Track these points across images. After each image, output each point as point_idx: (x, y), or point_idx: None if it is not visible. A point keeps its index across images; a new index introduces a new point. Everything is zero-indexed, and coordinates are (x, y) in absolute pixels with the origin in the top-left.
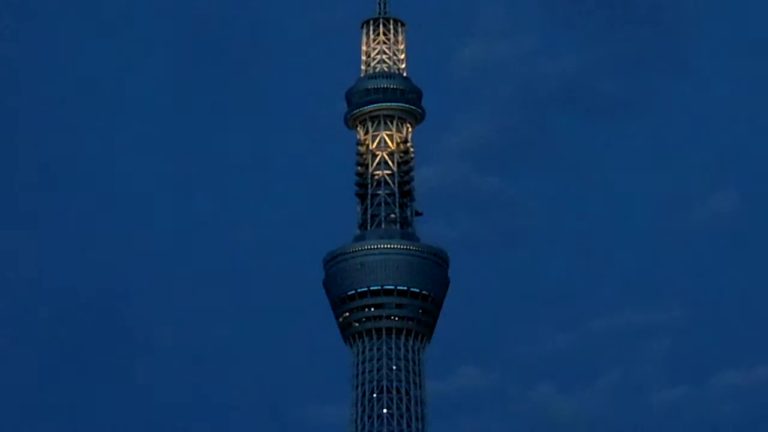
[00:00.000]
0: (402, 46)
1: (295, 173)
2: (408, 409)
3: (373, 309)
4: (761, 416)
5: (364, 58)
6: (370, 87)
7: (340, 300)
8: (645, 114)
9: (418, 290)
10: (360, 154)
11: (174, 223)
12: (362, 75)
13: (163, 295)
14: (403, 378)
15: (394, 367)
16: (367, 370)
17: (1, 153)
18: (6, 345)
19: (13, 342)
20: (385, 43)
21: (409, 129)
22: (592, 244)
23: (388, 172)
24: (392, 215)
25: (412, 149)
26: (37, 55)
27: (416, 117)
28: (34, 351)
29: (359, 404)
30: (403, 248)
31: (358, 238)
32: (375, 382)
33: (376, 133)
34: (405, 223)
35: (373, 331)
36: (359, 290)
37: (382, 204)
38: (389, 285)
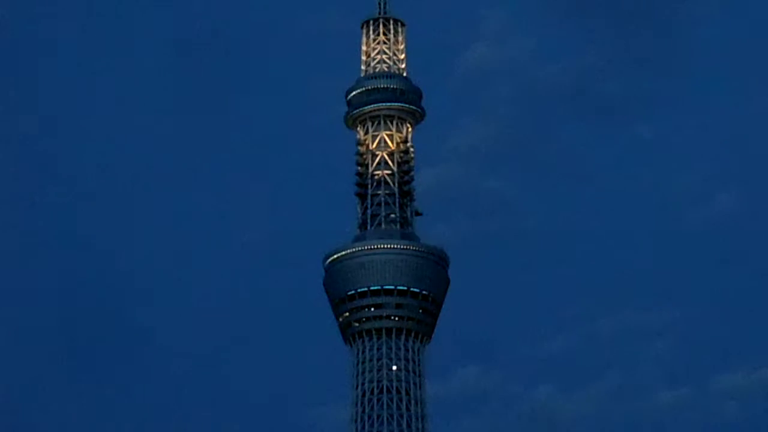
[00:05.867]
0: (402, 46)
1: (295, 173)
2: (408, 409)
3: (373, 309)
4: (762, 418)
5: (364, 58)
6: (370, 87)
7: (340, 300)
8: (645, 116)
9: (418, 290)
10: (360, 154)
11: (174, 223)
12: (362, 75)
13: (163, 295)
14: (403, 378)
15: (394, 367)
16: (367, 370)
17: (2, 151)
18: (6, 345)
19: (12, 342)
20: (385, 43)
21: (409, 129)
22: (593, 245)
23: (388, 172)
24: (392, 215)
25: (412, 149)
26: (35, 56)
27: (416, 117)
28: (34, 351)
29: (359, 404)
30: (403, 248)
31: (358, 238)
32: (375, 382)
33: (376, 133)
34: (405, 223)
35: (373, 331)
36: (359, 290)
37: (382, 204)
38: (389, 285)
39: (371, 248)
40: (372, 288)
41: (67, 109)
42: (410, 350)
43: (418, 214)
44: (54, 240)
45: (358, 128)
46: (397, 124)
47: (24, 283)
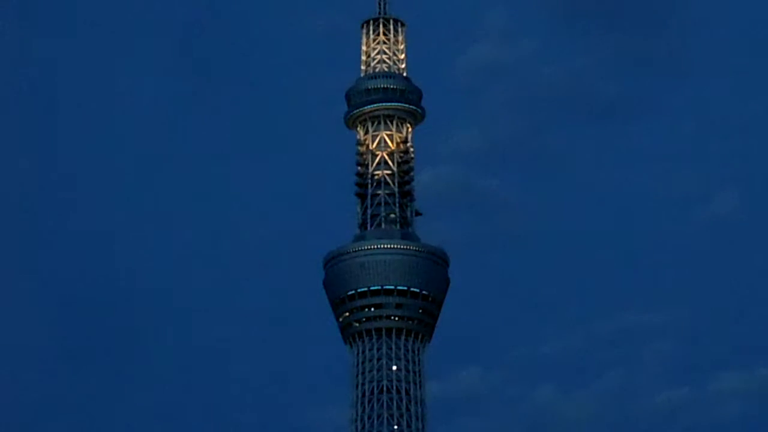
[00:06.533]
0: (402, 46)
1: (295, 173)
2: (408, 409)
3: (373, 309)
4: (762, 418)
5: (364, 58)
6: (370, 87)
7: (340, 300)
8: (645, 116)
9: (418, 290)
10: (360, 154)
11: (174, 223)
12: (362, 75)
13: (164, 295)
14: (403, 378)
15: (394, 367)
16: (367, 370)
17: (1, 151)
18: (6, 346)
19: (13, 343)
20: (385, 43)
21: (409, 129)
22: (593, 246)
23: (388, 172)
24: (392, 215)
25: (412, 149)
26: (36, 56)
27: (416, 117)
28: (35, 352)
29: (359, 404)
30: (403, 248)
31: (358, 238)
32: (375, 382)
33: (376, 133)
34: (405, 223)
35: (373, 331)
36: (359, 290)
37: (382, 204)
38: (389, 285)
39: (371, 248)
40: (372, 288)
41: (67, 110)
42: (410, 350)
43: (418, 214)
44: (54, 239)
45: (358, 128)
46: (397, 124)
47: (24, 284)
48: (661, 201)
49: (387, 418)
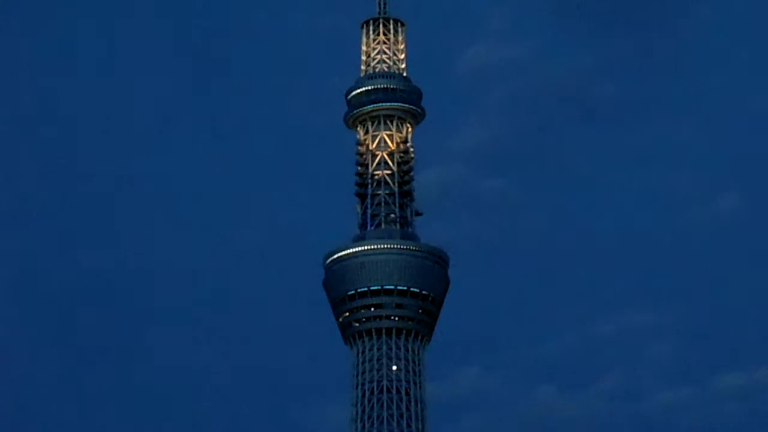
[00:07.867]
0: (402, 46)
1: (295, 173)
2: (408, 409)
3: (373, 309)
4: (763, 418)
5: (364, 58)
6: (370, 87)
7: (340, 300)
8: (646, 116)
9: (418, 290)
10: (360, 154)
11: (174, 223)
12: (362, 75)
13: (163, 296)
14: (403, 378)
15: (394, 367)
16: (367, 370)
17: (1, 151)
18: (5, 345)
19: (11, 342)
20: (385, 43)
21: (409, 129)
22: (593, 246)
23: (388, 172)
24: (392, 215)
25: (412, 149)
26: (36, 55)
27: (416, 117)
28: (33, 352)
29: (359, 404)
30: (403, 248)
31: (358, 238)
32: (375, 382)
33: (376, 133)
34: (405, 223)
35: (373, 331)
36: (359, 290)
37: (382, 204)
38: (389, 285)
39: (371, 248)
40: (372, 288)
41: (63, 109)
42: (410, 350)
43: (418, 214)
44: (53, 248)
45: (358, 128)
46: (397, 124)
47: (24, 293)
48: (661, 201)
49: (387, 418)
